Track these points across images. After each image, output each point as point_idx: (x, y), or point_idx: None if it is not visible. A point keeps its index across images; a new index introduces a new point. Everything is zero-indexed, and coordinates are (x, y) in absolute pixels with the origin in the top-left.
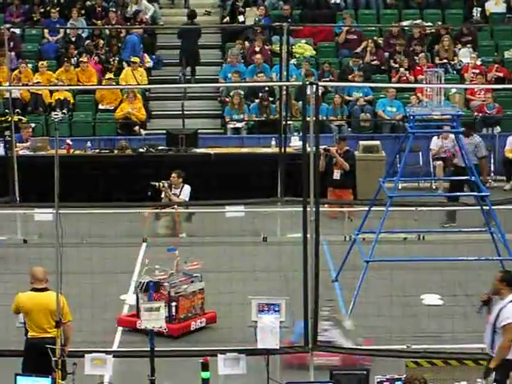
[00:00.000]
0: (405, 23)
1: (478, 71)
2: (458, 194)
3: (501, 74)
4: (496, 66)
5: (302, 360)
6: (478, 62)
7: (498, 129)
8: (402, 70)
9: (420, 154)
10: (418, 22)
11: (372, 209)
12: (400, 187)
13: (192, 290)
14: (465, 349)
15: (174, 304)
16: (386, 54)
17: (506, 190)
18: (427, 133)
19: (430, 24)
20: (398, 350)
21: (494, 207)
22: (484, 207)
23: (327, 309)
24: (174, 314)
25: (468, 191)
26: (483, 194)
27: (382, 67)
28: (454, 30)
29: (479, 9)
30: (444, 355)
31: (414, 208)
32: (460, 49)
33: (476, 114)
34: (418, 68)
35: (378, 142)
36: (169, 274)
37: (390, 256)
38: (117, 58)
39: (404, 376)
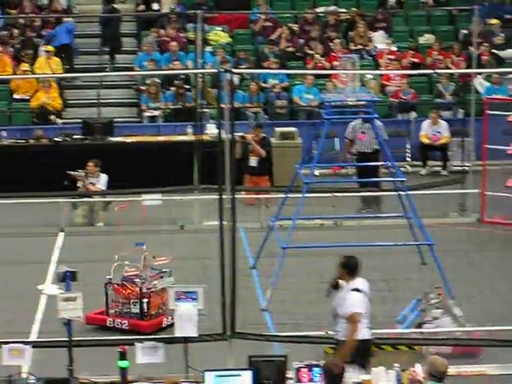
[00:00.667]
0: (319, 10)
1: (393, 57)
2: (375, 179)
3: (416, 60)
4: (411, 51)
5: (475, 350)
6: (393, 48)
7: (413, 114)
8: (317, 56)
9: (336, 140)
10: (333, 8)
11: (289, 195)
12: (317, 173)
13: (162, 285)
14: (383, 333)
15: (145, 300)
16: (301, 41)
17: (422, 174)
18: (343, 119)
19: (344, 10)
20: (316, 337)
21: (410, 192)
22: (400, 192)
23: (435, 296)
24: (145, 310)
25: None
26: (399, 179)
27: (298, 54)
28: (368, 16)
29: None
30: None
31: (330, 194)
32: (375, 35)
33: (391, 99)
34: (334, 54)
35: (294, 129)
36: (139, 269)
37: (307, 242)
38: (31, 51)
39: (322, 362)
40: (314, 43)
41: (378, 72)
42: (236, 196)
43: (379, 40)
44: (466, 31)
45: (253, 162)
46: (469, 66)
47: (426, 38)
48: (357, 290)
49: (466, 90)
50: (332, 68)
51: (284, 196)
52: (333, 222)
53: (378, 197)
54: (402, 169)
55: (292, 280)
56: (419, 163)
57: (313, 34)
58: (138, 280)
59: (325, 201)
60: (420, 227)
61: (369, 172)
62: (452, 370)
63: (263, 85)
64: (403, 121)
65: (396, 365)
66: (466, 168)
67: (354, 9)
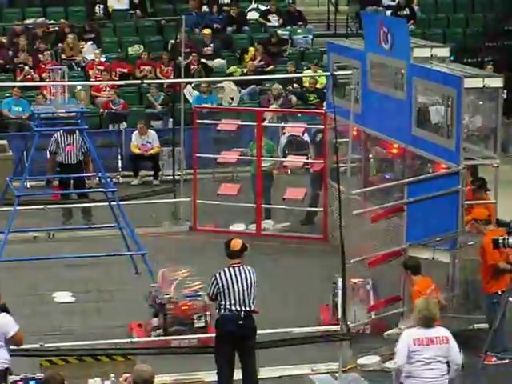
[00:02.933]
0: (28, 21)
1: (102, 68)
2: (85, 191)
3: (125, 70)
4: (120, 62)
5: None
6: (103, 59)
7: (124, 124)
8: (26, 68)
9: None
10: (42, 20)
11: (0, 209)
12: (29, 186)
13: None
14: (98, 344)
15: (208, 313)
16: (10, 53)
17: (133, 184)
18: (53, 131)
19: (53, 22)
20: (31, 349)
21: (122, 203)
22: (112, 203)
23: None
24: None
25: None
26: (110, 189)
27: (7, 66)
28: (77, 27)
29: (102, 6)
30: (78, 352)
31: (42, 206)
32: (84, 46)
33: (102, 110)
34: (43, 66)
35: (4, 142)
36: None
37: (20, 255)
38: None
39: (38, 375)
40: (23, 55)
41: (86, 83)
42: None
43: (89, 51)
44: (174, 41)
45: None
46: (178, 76)
47: (135, 49)
48: None
49: (175, 100)
50: (41, 80)
51: None
52: (46, 233)
53: (86, 208)
54: (113, 179)
55: (5, 293)
56: (131, 173)
57: (21, 45)
58: (202, 294)
59: (37, 213)
60: (132, 237)
61: (75, 184)
62: (167, 378)
63: None
64: (114, 131)
65: (112, 375)
66: (178, 177)
67: (62, 20)
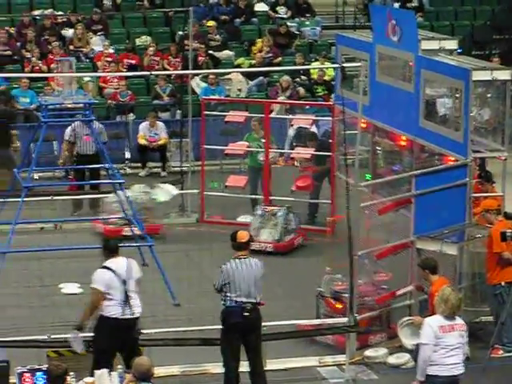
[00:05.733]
0: (36, 12)
1: (110, 59)
2: (93, 182)
3: (133, 62)
4: (128, 53)
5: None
6: (111, 50)
7: (131, 116)
8: (34, 59)
9: (54, 143)
10: (50, 11)
11: (8, 200)
12: (36, 177)
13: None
14: None
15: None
16: (18, 44)
17: (141, 176)
18: (60, 121)
19: (61, 13)
20: (38, 341)
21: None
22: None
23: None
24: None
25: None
26: (118, 181)
27: (15, 57)
28: (85, 18)
29: None
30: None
31: (50, 197)
32: (92, 37)
33: (109, 101)
34: (51, 57)
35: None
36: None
37: (27, 246)
38: None
39: (45, 366)
40: (31, 46)
41: (94, 74)
42: None
43: (97, 42)
44: (182, 33)
45: None
46: (185, 67)
47: (143, 40)
48: (105, 267)
49: (183, 91)
50: (50, 71)
51: (3, 200)
52: (53, 225)
53: (95, 199)
54: (121, 171)
55: (13, 285)
56: (138, 165)
57: (29, 36)
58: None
59: (45, 204)
60: (140, 228)
61: (90, 175)
62: (174, 369)
63: None
64: (122, 123)
65: (119, 366)
66: (185, 169)
67: (70, 12)
